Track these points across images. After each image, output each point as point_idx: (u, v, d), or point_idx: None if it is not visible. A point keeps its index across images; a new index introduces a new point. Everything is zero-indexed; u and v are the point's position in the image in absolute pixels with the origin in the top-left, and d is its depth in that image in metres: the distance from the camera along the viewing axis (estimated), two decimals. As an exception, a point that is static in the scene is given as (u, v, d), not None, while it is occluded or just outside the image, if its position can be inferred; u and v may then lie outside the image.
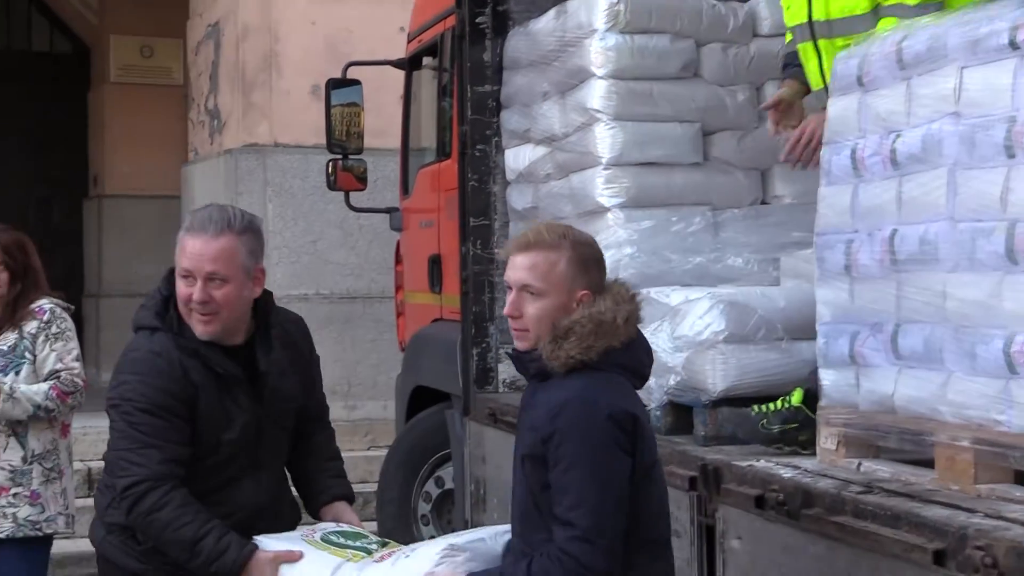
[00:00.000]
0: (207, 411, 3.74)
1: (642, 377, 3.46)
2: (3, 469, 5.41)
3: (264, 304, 3.89)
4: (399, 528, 7.22)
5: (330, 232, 10.35)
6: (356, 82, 7.99)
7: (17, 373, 5.41)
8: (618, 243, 5.20)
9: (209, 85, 11.27)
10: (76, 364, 5.48)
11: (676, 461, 4.43)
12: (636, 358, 3.41)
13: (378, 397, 9.98)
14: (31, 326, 5.45)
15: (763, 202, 5.59)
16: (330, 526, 3.86)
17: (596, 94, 5.38)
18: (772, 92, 5.50)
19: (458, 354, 6.35)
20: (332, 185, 8.24)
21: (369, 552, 3.61)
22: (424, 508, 7.53)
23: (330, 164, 8.17)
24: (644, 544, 3.31)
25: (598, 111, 5.37)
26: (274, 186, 10.39)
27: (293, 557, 3.64)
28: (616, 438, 3.22)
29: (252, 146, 10.48)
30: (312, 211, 10.33)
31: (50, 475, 5.48)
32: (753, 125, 5.55)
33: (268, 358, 3.84)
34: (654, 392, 4.75)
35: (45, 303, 5.52)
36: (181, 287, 3.73)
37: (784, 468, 3.99)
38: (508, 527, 3.48)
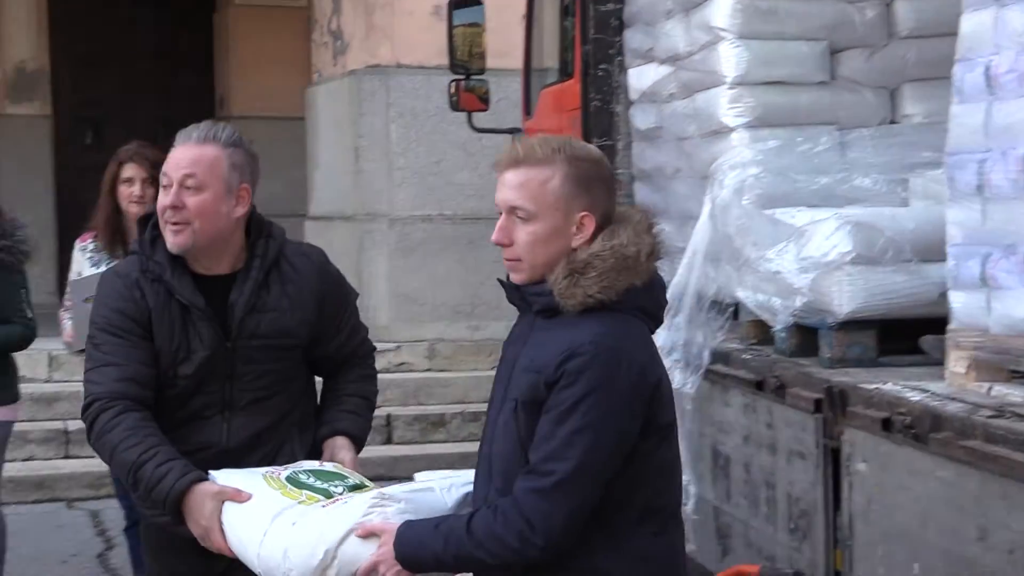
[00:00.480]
0: (162, 339, 3.50)
1: (659, 320, 3.00)
2: None
3: (256, 234, 3.61)
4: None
5: (453, 153, 10.36)
6: (478, 2, 7.97)
7: None
8: (743, 163, 5.15)
9: (332, 6, 11.31)
10: None
11: (801, 383, 4.41)
12: (656, 300, 2.97)
13: (501, 318, 9.93)
14: None
15: (892, 121, 5.49)
16: (308, 464, 3.47)
17: (721, 12, 5.30)
18: (903, 8, 5.39)
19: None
20: (455, 106, 8.26)
21: (329, 495, 3.23)
22: (547, 427, 7.58)
23: (452, 85, 8.18)
24: (649, 513, 2.89)
25: (723, 29, 5.29)
26: (397, 107, 10.42)
27: (240, 498, 3.27)
28: (629, 401, 2.81)
29: (375, 67, 10.51)
30: (435, 132, 10.34)
31: None
32: (882, 42, 5.43)
33: (240, 290, 3.54)
34: (779, 314, 4.73)
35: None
36: (160, 198, 3.51)
37: (912, 391, 3.95)
38: (469, 479, 3.10)
